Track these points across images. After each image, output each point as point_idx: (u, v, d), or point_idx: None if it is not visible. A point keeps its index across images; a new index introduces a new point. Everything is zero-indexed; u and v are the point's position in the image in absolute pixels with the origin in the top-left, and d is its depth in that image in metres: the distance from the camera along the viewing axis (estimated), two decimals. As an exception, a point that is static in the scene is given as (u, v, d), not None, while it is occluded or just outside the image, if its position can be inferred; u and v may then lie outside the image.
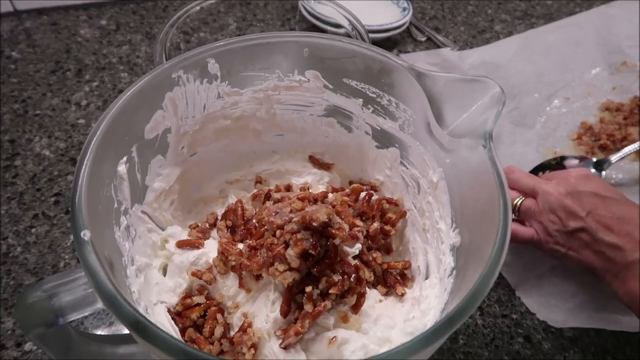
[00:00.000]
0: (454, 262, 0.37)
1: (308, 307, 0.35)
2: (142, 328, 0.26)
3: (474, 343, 0.49)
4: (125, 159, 0.38)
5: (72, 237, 0.54)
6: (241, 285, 0.39)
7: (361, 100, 0.45)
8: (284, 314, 0.36)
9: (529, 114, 0.70)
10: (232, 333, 0.38)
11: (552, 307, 0.50)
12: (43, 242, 0.54)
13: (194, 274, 0.40)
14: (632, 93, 0.72)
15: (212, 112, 0.45)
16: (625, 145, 0.64)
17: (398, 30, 0.78)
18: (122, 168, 0.37)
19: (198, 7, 0.67)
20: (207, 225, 0.46)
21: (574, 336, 0.49)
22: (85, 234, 0.29)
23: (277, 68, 0.44)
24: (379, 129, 0.45)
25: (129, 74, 0.71)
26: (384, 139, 0.46)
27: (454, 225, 0.38)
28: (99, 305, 0.31)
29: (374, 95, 0.44)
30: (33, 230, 0.55)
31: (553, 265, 0.52)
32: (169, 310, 0.39)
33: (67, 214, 0.56)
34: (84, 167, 0.32)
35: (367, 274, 0.39)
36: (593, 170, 0.60)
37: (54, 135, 0.63)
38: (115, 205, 0.37)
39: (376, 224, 0.43)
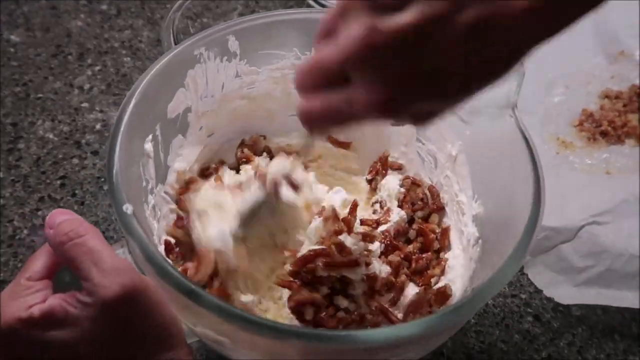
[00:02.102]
0: (478, 232, 0.37)
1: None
2: (197, 296, 0.27)
3: (485, 322, 0.50)
4: (150, 137, 0.38)
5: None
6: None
7: None
8: None
9: (530, 101, 0.71)
10: None
11: (559, 284, 0.51)
12: (50, 225, 0.53)
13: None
14: (630, 81, 0.73)
15: (230, 91, 0.45)
16: (626, 132, 0.66)
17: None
18: (148, 146, 0.37)
19: (200, -8, 0.66)
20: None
21: (582, 315, 0.50)
22: (128, 208, 0.30)
23: (294, 46, 0.45)
24: None
25: (132, 58, 0.70)
26: None
27: (475, 197, 0.39)
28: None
29: None
30: (39, 212, 0.54)
31: (561, 242, 0.53)
32: None
33: (74, 196, 0.56)
34: (118, 141, 0.32)
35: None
36: None
37: (57, 118, 0.62)
38: (144, 184, 0.37)
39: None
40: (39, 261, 0.32)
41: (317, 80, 0.26)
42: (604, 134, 0.66)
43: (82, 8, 0.77)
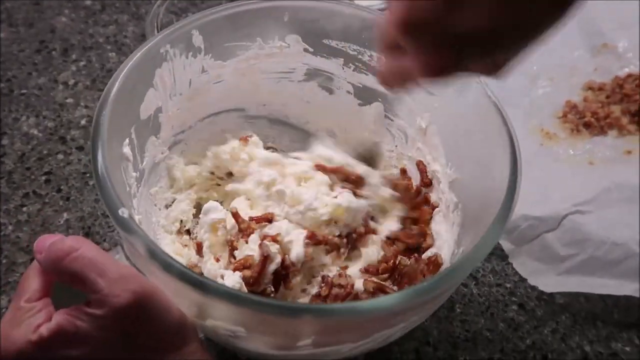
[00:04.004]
0: (456, 197, 0.39)
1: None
2: (206, 286, 0.28)
3: (470, 311, 0.50)
4: (127, 140, 0.38)
5: (65, 215, 0.54)
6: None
7: (342, 59, 0.46)
8: None
9: (515, 94, 0.71)
10: None
11: (543, 273, 0.52)
12: (35, 221, 0.53)
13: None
14: (613, 73, 0.74)
15: (197, 88, 0.45)
16: (609, 123, 0.67)
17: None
18: (127, 150, 0.37)
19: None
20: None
21: (565, 302, 0.51)
22: (124, 212, 0.30)
23: (257, 36, 0.45)
24: (360, 86, 0.46)
25: (117, 53, 0.70)
26: (366, 96, 0.47)
27: (449, 164, 0.40)
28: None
29: (355, 53, 0.45)
30: (24, 209, 0.54)
31: (545, 231, 0.53)
32: None
33: (59, 192, 0.55)
34: (99, 146, 0.32)
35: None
36: None
37: (42, 114, 0.62)
38: (127, 189, 0.37)
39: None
40: (34, 281, 0.31)
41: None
42: (587, 126, 0.67)
43: (65, 3, 0.76)
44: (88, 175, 0.57)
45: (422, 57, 0.27)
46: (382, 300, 0.31)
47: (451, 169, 0.41)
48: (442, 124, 0.41)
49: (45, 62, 0.68)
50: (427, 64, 0.27)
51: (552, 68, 0.75)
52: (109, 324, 0.29)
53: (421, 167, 0.45)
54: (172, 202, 0.47)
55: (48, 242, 0.31)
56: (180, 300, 0.32)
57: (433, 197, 0.44)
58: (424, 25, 0.25)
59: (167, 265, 0.29)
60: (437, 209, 0.43)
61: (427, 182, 0.45)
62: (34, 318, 0.29)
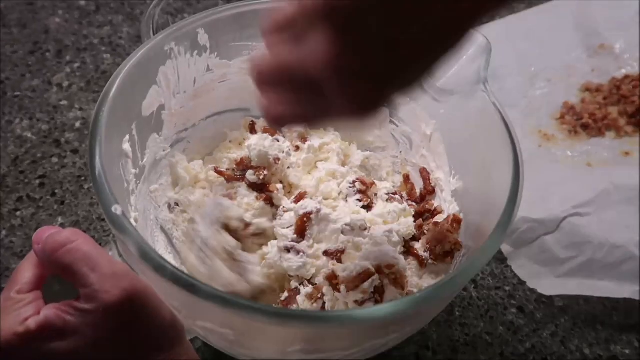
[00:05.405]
0: (458, 206, 0.38)
1: None
2: (196, 288, 0.28)
3: (470, 315, 0.50)
4: (127, 137, 0.38)
5: (59, 219, 0.53)
6: None
7: None
8: None
9: (513, 95, 0.71)
10: None
11: (542, 275, 0.52)
12: (29, 225, 0.52)
13: None
14: (610, 74, 0.74)
15: (202, 86, 0.45)
16: (607, 125, 0.67)
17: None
18: (126, 146, 0.37)
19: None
20: None
21: (564, 305, 0.51)
22: (117, 209, 0.29)
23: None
24: None
25: (111, 55, 0.69)
26: None
27: (453, 172, 0.40)
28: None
29: None
30: (18, 213, 0.53)
31: (544, 233, 0.53)
32: None
33: (53, 196, 0.55)
34: (97, 142, 0.32)
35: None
36: None
37: (36, 117, 0.61)
38: (125, 185, 0.37)
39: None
40: (27, 273, 0.31)
41: (279, 80, 0.28)
42: (585, 127, 0.67)
43: (59, 4, 0.75)
44: (83, 178, 0.56)
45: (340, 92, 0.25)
46: (375, 310, 0.30)
47: (454, 178, 0.40)
48: (446, 131, 0.41)
49: (39, 63, 0.67)
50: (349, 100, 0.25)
51: (550, 69, 0.75)
52: (98, 319, 0.28)
53: (424, 174, 0.45)
54: (174, 203, 0.46)
55: (47, 234, 0.30)
56: (171, 300, 0.31)
57: (435, 205, 0.44)
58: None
59: (158, 266, 0.28)
60: (439, 216, 0.43)
61: (430, 190, 0.45)
62: (23, 310, 0.29)
